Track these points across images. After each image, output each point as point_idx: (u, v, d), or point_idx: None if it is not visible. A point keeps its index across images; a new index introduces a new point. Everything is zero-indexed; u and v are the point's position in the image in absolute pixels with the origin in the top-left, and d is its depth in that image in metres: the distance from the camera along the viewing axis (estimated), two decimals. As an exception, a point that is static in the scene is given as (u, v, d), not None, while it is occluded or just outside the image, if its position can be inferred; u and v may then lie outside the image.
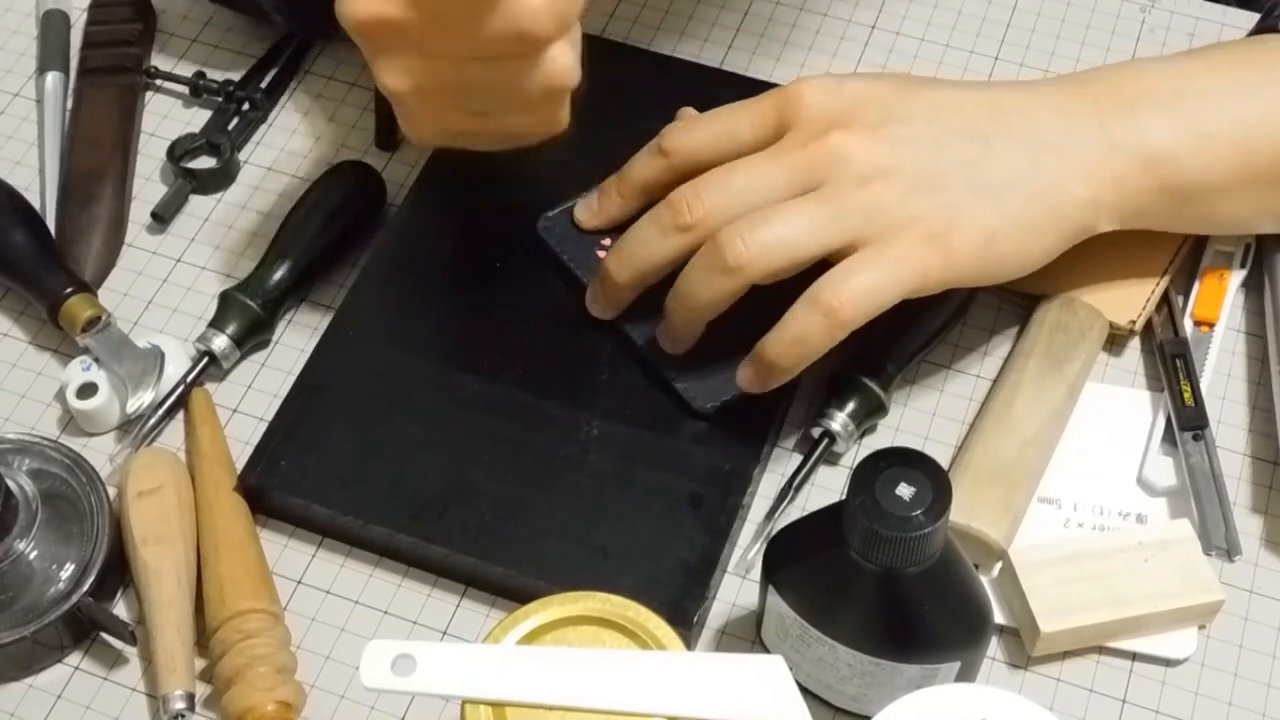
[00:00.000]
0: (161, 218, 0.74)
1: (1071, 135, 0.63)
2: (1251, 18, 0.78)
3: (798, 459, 0.66)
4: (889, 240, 0.60)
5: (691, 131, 0.66)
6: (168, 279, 0.73)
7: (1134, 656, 0.62)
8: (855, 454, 0.67)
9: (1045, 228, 0.63)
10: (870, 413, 0.66)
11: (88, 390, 0.67)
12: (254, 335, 0.69)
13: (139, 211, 0.75)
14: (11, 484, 0.61)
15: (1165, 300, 0.69)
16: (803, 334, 0.61)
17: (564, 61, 0.58)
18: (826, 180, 0.61)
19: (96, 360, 0.68)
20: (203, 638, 0.61)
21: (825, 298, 0.60)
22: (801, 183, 0.62)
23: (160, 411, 0.67)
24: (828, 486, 0.66)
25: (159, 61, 0.81)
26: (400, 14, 0.56)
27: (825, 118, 0.62)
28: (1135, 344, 0.70)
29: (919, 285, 0.61)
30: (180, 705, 0.59)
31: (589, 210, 0.69)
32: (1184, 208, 0.65)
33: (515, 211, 0.71)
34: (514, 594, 0.63)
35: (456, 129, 0.63)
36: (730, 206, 0.62)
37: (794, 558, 0.57)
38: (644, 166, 0.67)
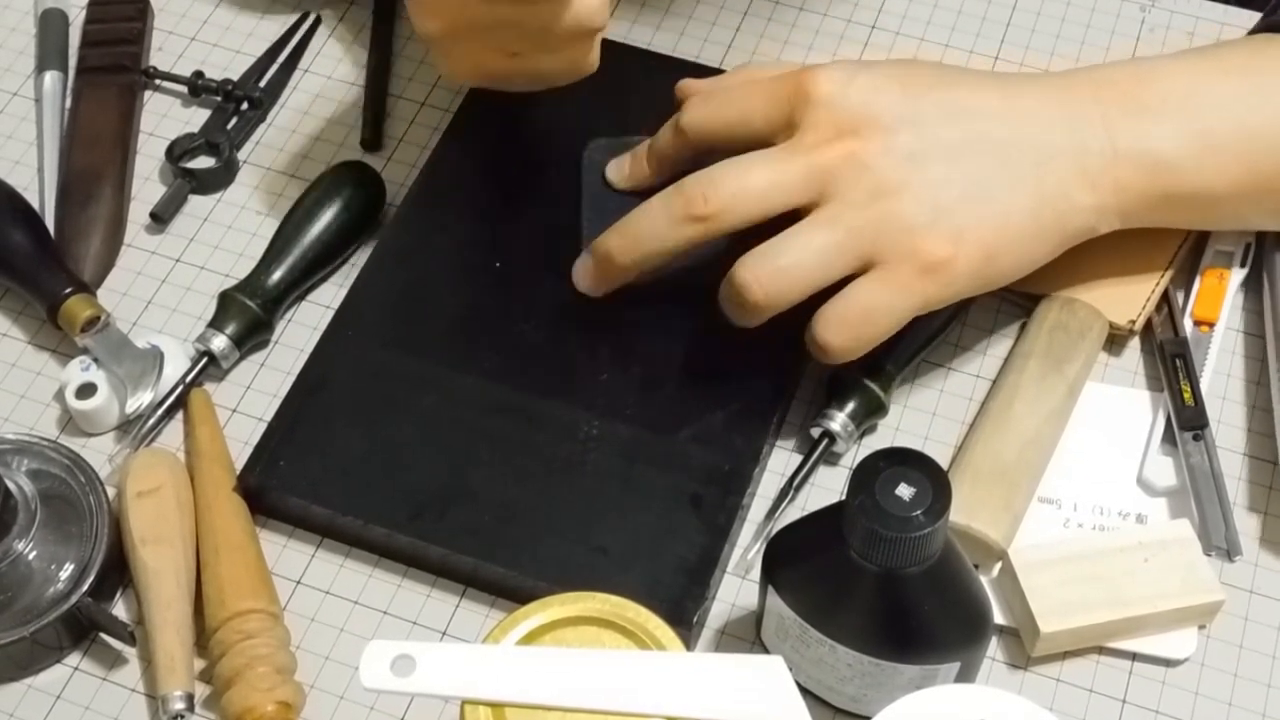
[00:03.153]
0: (160, 217, 0.74)
1: (1077, 141, 0.63)
2: (1252, 17, 0.78)
3: (798, 459, 0.66)
4: (892, 267, 0.61)
5: (707, 109, 0.67)
6: (167, 279, 0.73)
7: (1134, 656, 0.62)
8: (855, 454, 0.67)
9: (1047, 235, 0.63)
10: (870, 413, 0.66)
11: (87, 390, 0.67)
12: (253, 335, 0.69)
13: (138, 211, 0.75)
14: (11, 484, 0.61)
15: (1165, 300, 0.69)
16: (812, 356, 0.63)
17: (593, 2, 0.62)
18: (836, 192, 0.62)
19: (95, 360, 0.68)
20: (202, 638, 0.61)
21: (824, 337, 0.62)
22: (813, 188, 0.62)
23: (159, 412, 0.67)
24: (828, 486, 0.66)
25: (158, 61, 0.81)
26: None
27: (834, 119, 0.62)
28: (1135, 344, 0.70)
29: (920, 310, 0.62)
30: (179, 706, 0.59)
31: (619, 171, 0.71)
32: (1186, 211, 0.65)
33: (514, 212, 0.71)
34: (513, 594, 0.63)
35: (489, 69, 0.66)
36: (746, 204, 0.62)
37: (794, 558, 0.57)
38: (665, 141, 0.69)
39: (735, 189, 0.62)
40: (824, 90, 0.63)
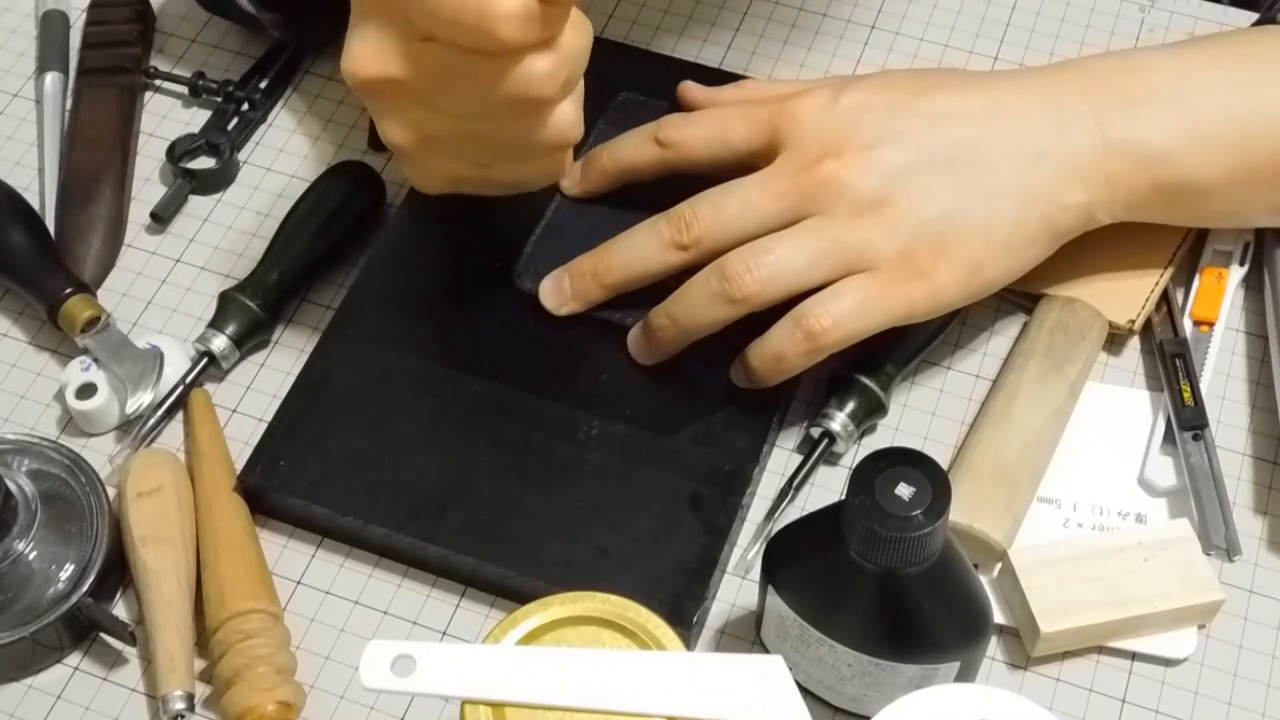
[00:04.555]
0: (161, 218, 0.74)
1: (1066, 139, 0.63)
2: (1251, 18, 0.78)
3: (798, 459, 0.66)
4: (879, 273, 0.61)
5: (690, 127, 0.66)
6: (167, 279, 0.73)
7: (1134, 656, 0.62)
8: (855, 454, 0.67)
9: (1034, 238, 0.63)
10: (870, 413, 0.66)
11: (87, 391, 0.67)
12: (253, 335, 0.69)
13: (138, 212, 0.75)
14: (11, 484, 0.61)
15: (1164, 299, 0.69)
16: (783, 352, 0.62)
17: (568, 118, 0.59)
18: (819, 211, 0.62)
19: (96, 361, 0.68)
20: (202, 638, 0.61)
21: (809, 322, 0.61)
22: (793, 211, 0.62)
23: (160, 412, 0.67)
24: (828, 486, 0.66)
25: (158, 62, 0.81)
26: (405, 74, 0.57)
27: (819, 141, 0.63)
28: (1135, 344, 0.70)
29: (905, 317, 0.62)
30: (180, 706, 0.59)
31: (572, 177, 0.70)
32: (1178, 204, 0.65)
33: (514, 212, 0.71)
34: (513, 594, 0.63)
35: (460, 179, 0.64)
36: (724, 231, 0.63)
37: (794, 558, 0.57)
38: (636, 150, 0.68)
39: (714, 215, 0.63)
40: (806, 114, 0.63)
